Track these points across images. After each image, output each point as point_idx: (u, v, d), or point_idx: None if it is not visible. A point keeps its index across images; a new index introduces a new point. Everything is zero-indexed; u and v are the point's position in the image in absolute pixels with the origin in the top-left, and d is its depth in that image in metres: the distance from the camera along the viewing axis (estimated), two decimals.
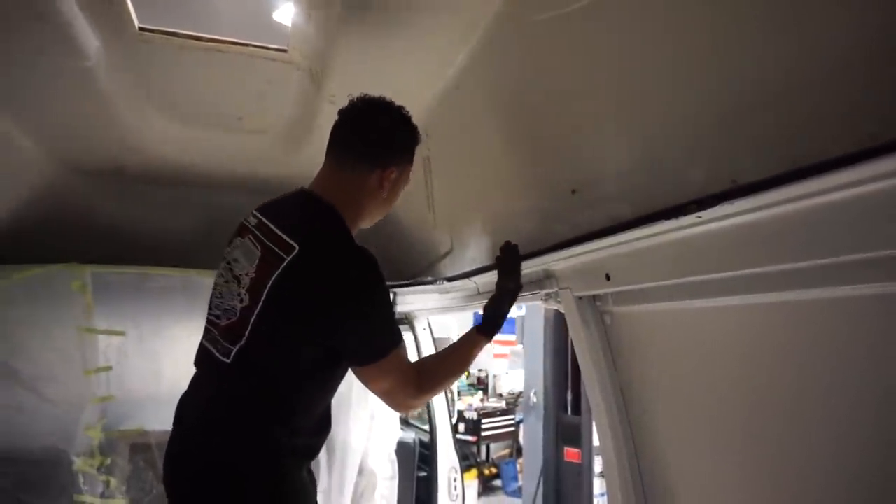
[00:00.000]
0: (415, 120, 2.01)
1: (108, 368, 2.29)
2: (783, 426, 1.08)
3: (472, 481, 6.69)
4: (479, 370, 7.83)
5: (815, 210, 0.84)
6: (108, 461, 2.22)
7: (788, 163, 0.85)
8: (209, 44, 1.75)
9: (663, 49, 1.03)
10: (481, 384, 7.77)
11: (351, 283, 1.29)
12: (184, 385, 2.46)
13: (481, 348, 1.55)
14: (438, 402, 2.96)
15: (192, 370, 2.46)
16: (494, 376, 7.87)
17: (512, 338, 7.34)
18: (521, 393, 6.64)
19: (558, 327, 4.21)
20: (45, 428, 2.16)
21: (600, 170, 1.29)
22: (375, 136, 1.45)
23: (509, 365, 7.80)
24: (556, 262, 1.51)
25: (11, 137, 1.94)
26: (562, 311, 1.60)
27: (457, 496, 2.75)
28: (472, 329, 1.55)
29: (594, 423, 1.66)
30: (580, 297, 1.50)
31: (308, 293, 1.27)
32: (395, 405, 1.49)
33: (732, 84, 0.91)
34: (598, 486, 3.47)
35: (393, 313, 1.46)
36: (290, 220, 1.39)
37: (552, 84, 1.34)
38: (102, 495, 2.18)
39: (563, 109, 1.34)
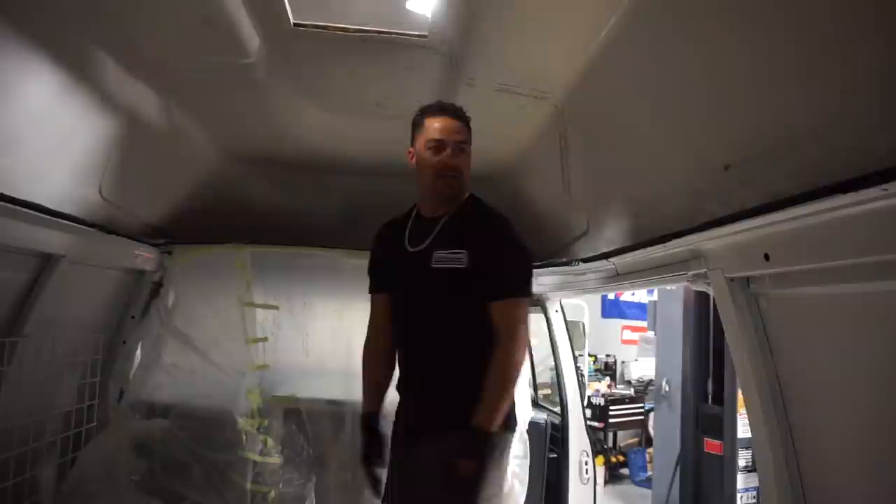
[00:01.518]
0: (550, 100, 2.00)
1: (265, 339, 2.51)
2: None
3: (598, 468, 6.57)
4: (608, 356, 7.64)
5: None
6: (266, 423, 2.44)
7: None
8: (356, 34, 1.85)
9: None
10: (609, 370, 7.59)
11: None
12: (329, 357, 2.68)
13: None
14: (570, 384, 2.94)
15: (337, 344, 2.68)
16: (623, 363, 7.64)
17: (642, 324, 7.08)
18: (650, 381, 6.40)
19: (700, 312, 3.99)
20: (214, 389, 2.42)
21: (759, 143, 1.20)
22: None
23: (639, 352, 7.53)
24: (707, 241, 1.44)
25: (183, 128, 2.17)
26: (710, 293, 1.52)
27: (588, 479, 2.72)
28: None
29: (746, 417, 1.56)
30: (732, 279, 1.41)
31: None
32: None
33: None
34: (742, 480, 3.27)
35: (369, 271, 2.02)
36: None
37: (703, 52, 1.27)
38: (261, 453, 2.41)
39: (714, 79, 1.26)
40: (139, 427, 2.31)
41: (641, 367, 7.36)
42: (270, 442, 2.43)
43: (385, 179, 2.75)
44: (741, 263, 1.35)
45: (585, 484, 2.71)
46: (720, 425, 3.49)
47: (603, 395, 6.89)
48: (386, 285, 1.91)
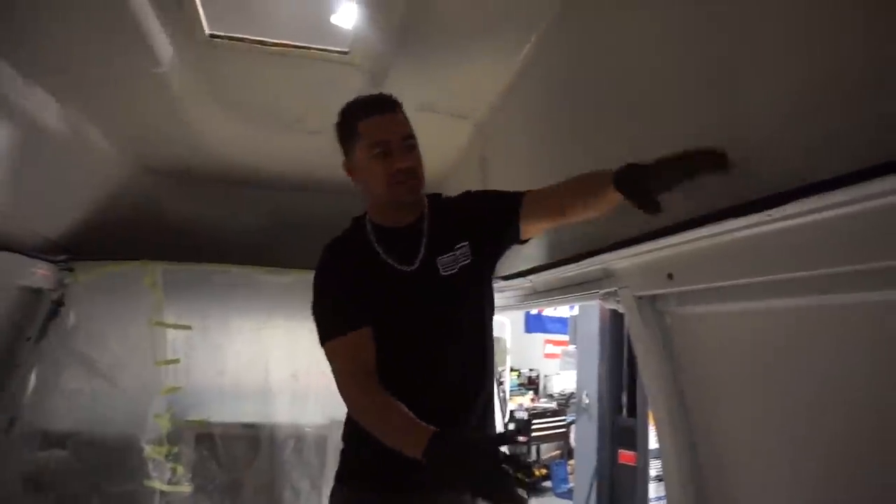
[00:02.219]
0: (471, 119, 2.02)
1: (177, 361, 2.39)
2: (863, 440, 1.03)
3: None
4: (531, 370, 7.79)
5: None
6: (175, 449, 2.32)
7: (864, 160, 0.82)
8: (274, 48, 1.81)
9: (730, 36, 1.00)
10: (532, 384, 7.73)
11: None
12: (246, 379, 2.59)
13: (410, 448, 1.20)
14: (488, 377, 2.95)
15: (254, 365, 2.59)
16: (545, 376, 7.81)
17: (564, 338, 7.27)
18: (572, 394, 6.57)
19: (615, 327, 4.15)
20: (118, 415, 2.28)
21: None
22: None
23: (561, 365, 7.72)
24: (616, 260, 1.50)
25: (88, 137, 2.05)
26: (621, 310, 1.58)
27: None
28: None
29: (653, 427, 1.63)
30: (640, 297, 1.48)
31: None
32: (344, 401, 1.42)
33: (811, 76, 0.88)
34: (654, 489, 3.40)
35: (329, 306, 1.41)
36: None
37: (616, 73, 1.33)
38: (169, 481, 2.29)
39: (626, 100, 1.33)
40: (30, 459, 2.14)
41: (563, 381, 7.54)
42: (180, 469, 2.31)
43: (307, 195, 2.71)
44: (647, 282, 1.42)
45: None
46: (634, 437, 3.64)
47: (526, 409, 7.00)
48: (367, 319, 1.39)
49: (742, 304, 1.21)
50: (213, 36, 1.75)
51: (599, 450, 4.01)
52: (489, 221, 1.48)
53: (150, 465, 2.25)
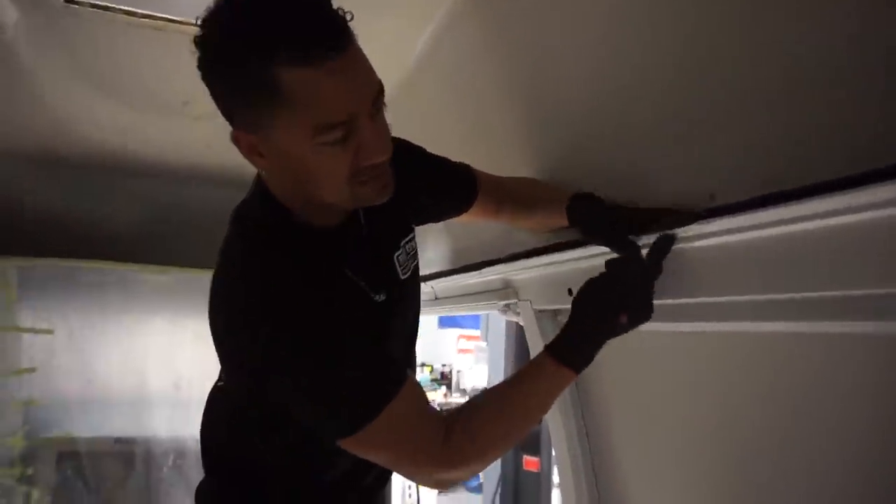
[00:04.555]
0: None
1: (32, 370, 2.11)
2: (746, 454, 1.00)
3: None
4: (444, 365, 7.74)
5: (797, 238, 0.75)
6: (31, 471, 2.04)
7: (769, 182, 0.75)
8: (144, 20, 1.59)
9: (636, 39, 0.92)
10: (445, 379, 7.69)
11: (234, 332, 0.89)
12: (118, 388, 2.31)
13: (555, 383, 0.93)
14: None
15: (127, 372, 2.32)
16: (458, 371, 7.79)
17: (477, 333, 7.26)
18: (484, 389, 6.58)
19: (520, 330, 4.13)
20: None
21: (561, 173, 1.18)
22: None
23: (474, 360, 7.73)
24: (516, 272, 1.40)
25: None
26: (521, 322, 1.50)
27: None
28: (540, 352, 0.95)
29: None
30: (541, 311, 1.39)
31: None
32: (417, 481, 1.01)
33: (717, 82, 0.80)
34: (557, 496, 3.41)
35: (353, 360, 0.86)
36: None
37: (512, 73, 1.23)
38: None
39: (521, 102, 1.23)
40: None
41: (476, 376, 7.55)
42: (36, 494, 2.04)
43: (192, 186, 2.46)
44: (547, 296, 1.33)
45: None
46: (538, 442, 3.63)
47: (439, 405, 6.95)
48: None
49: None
50: (69, 1, 1.51)
51: (503, 457, 3.99)
52: (438, 203, 1.19)
53: None
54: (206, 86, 0.79)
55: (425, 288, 1.94)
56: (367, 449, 0.88)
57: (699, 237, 0.87)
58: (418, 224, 1.19)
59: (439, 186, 1.18)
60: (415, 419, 0.88)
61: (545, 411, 0.97)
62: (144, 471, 2.20)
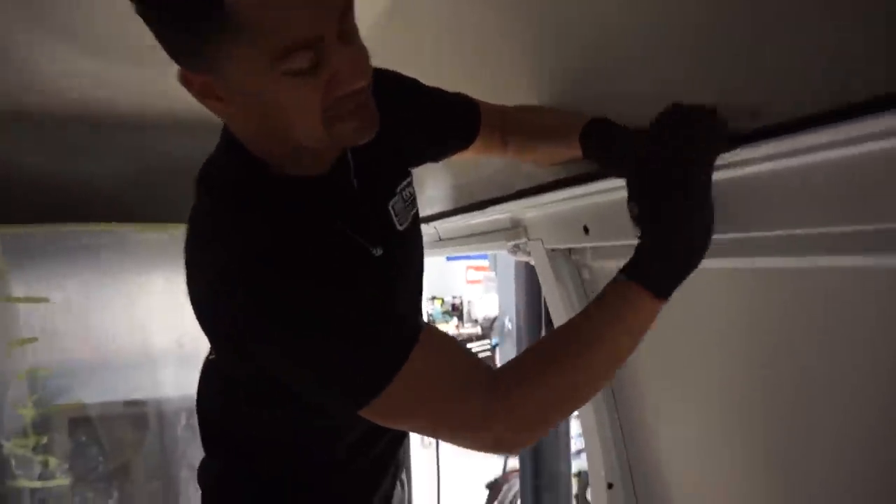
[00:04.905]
0: None
1: (34, 340, 2.05)
2: (790, 412, 0.92)
3: None
4: (454, 297, 7.75)
5: (836, 166, 0.64)
6: (45, 440, 2.02)
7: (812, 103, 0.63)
8: None
9: None
10: (456, 311, 7.72)
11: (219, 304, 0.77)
12: (124, 351, 2.27)
13: (643, 316, 0.75)
14: None
15: (132, 335, 2.26)
16: (469, 302, 7.81)
17: (485, 263, 7.22)
18: (496, 317, 6.59)
19: (532, 267, 4.04)
20: None
21: (576, 97, 1.05)
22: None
23: (484, 290, 7.72)
24: (525, 209, 1.29)
25: None
26: (532, 262, 1.40)
27: (429, 444, 2.65)
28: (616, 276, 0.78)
29: None
30: (553, 250, 1.29)
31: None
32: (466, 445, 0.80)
33: None
34: (575, 426, 3.42)
35: (355, 318, 0.74)
36: None
37: None
38: (41, 477, 2.00)
39: (527, 15, 1.08)
40: None
41: (486, 306, 7.57)
42: (53, 461, 2.03)
43: (180, 135, 2.31)
44: (560, 235, 1.23)
45: (427, 448, 2.64)
46: None
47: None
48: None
49: None
50: None
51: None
52: (437, 139, 1.07)
53: (14, 463, 1.96)
54: (140, 16, 0.66)
55: (428, 229, 1.84)
56: (395, 417, 0.78)
57: (742, 164, 0.75)
58: (416, 165, 1.06)
59: (437, 120, 1.05)
60: (445, 374, 0.75)
61: (624, 357, 0.77)
62: (158, 431, 2.18)
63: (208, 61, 0.68)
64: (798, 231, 0.72)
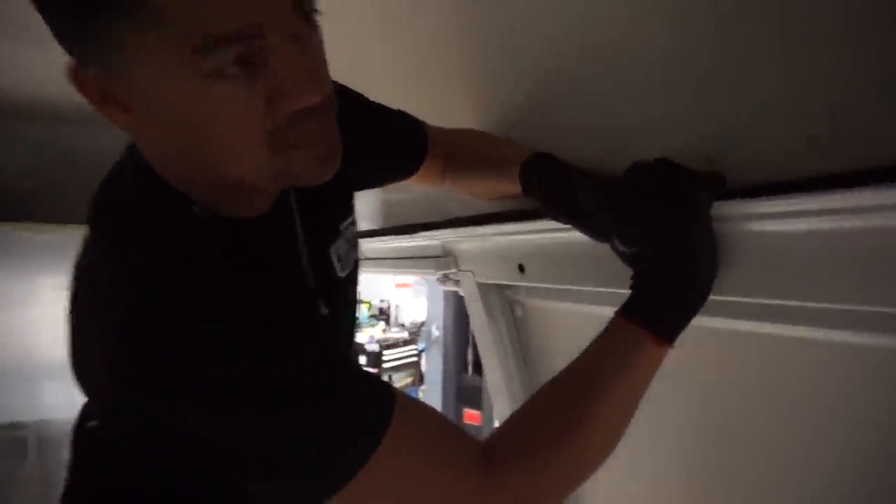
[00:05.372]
0: None
1: None
2: (691, 444, 0.86)
3: None
4: (382, 301, 7.60)
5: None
6: None
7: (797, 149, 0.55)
8: None
9: None
10: (384, 315, 7.57)
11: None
12: (1, 367, 2.01)
13: (649, 366, 0.64)
14: None
15: (13, 347, 2.01)
16: (397, 306, 7.68)
17: None
18: (423, 322, 6.49)
19: None
20: None
21: (523, 124, 0.95)
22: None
23: (413, 294, 7.61)
24: (458, 240, 1.19)
25: None
26: (461, 293, 1.30)
27: None
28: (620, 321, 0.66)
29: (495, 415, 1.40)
30: (485, 284, 1.20)
31: None
32: None
33: None
34: None
35: (326, 386, 0.59)
36: None
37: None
38: None
39: (472, 30, 0.98)
40: None
41: (415, 310, 7.46)
42: None
43: (86, 128, 2.08)
44: (494, 271, 1.13)
45: None
46: (479, 396, 3.55)
47: (378, 341, 6.84)
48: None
49: (600, 308, 0.96)
50: None
51: (444, 409, 3.92)
52: (382, 166, 0.92)
53: None
54: None
55: None
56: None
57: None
58: (357, 190, 0.89)
59: (381, 145, 0.88)
60: (429, 449, 0.60)
61: (633, 413, 0.65)
62: (38, 456, 1.94)
63: (103, 52, 0.49)
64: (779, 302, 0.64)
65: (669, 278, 0.64)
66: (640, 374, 0.63)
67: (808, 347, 0.70)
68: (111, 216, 0.63)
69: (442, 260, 1.26)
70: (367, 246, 1.63)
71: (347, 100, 0.76)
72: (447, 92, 1.06)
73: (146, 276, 0.57)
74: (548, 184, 0.80)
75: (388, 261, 1.58)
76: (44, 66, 1.83)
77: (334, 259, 0.77)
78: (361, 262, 1.58)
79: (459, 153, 0.95)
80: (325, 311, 0.72)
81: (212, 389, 0.54)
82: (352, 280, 0.82)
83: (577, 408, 0.61)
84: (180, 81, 0.49)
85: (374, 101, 0.89)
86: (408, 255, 1.44)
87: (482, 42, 0.92)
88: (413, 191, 1.36)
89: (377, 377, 0.66)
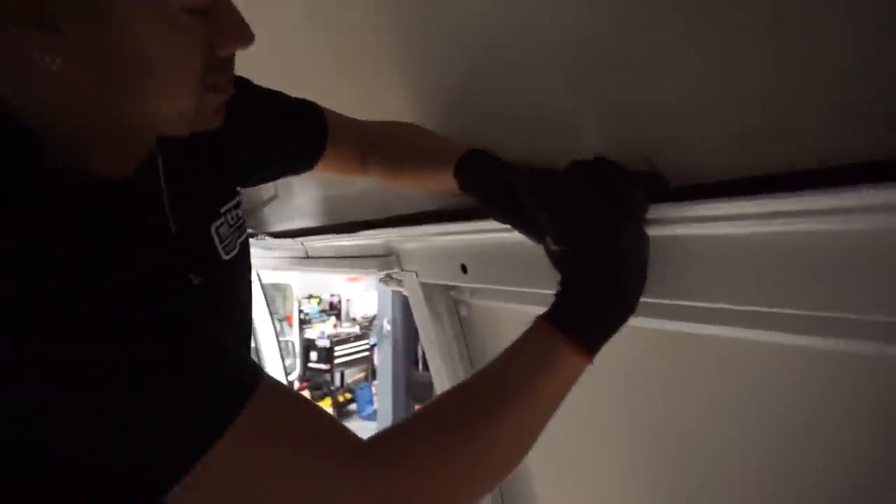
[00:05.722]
0: None
1: None
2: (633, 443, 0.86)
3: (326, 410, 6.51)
4: (332, 295, 7.49)
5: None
6: None
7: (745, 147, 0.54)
8: None
9: None
10: (334, 310, 7.47)
11: None
12: None
13: (567, 376, 0.61)
14: (271, 359, 2.58)
15: None
16: (348, 301, 7.58)
17: None
18: (375, 316, 6.44)
19: None
20: None
21: (456, 117, 0.92)
22: None
23: (364, 287, 7.53)
24: (401, 239, 1.15)
25: None
26: (404, 293, 1.27)
27: None
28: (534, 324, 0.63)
29: None
30: (429, 284, 1.16)
31: None
32: None
33: None
34: None
35: (174, 361, 0.55)
36: None
37: None
38: None
39: (402, 16, 0.94)
40: None
41: (365, 304, 7.38)
42: None
43: None
44: (437, 271, 1.10)
45: None
46: (430, 391, 3.53)
47: (329, 336, 6.75)
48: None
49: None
50: None
51: (395, 406, 3.88)
52: (272, 156, 0.89)
53: None
54: None
55: (293, 244, 1.65)
56: (217, 500, 0.54)
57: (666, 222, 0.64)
58: (247, 185, 0.88)
59: (271, 132, 0.87)
60: (292, 439, 0.55)
61: (543, 425, 0.60)
62: None
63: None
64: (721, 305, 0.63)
65: (594, 283, 0.61)
66: (554, 379, 0.59)
67: (782, 353, 0.70)
68: None
69: (385, 259, 1.22)
70: (309, 244, 1.58)
71: (240, 86, 0.74)
72: (378, 85, 1.02)
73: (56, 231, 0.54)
74: (483, 181, 0.78)
75: (331, 259, 1.53)
76: None
77: (215, 238, 0.76)
78: (308, 260, 1.50)
79: (383, 144, 0.92)
80: (196, 281, 0.70)
81: (58, 353, 0.50)
82: (240, 261, 0.81)
83: (479, 409, 0.57)
84: (137, 15, 0.53)
85: (270, 90, 0.87)
86: (350, 253, 1.40)
87: (413, 32, 0.88)
88: (354, 187, 1.31)
89: (251, 361, 0.62)
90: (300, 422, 0.56)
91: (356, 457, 0.55)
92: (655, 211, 0.63)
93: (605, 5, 0.62)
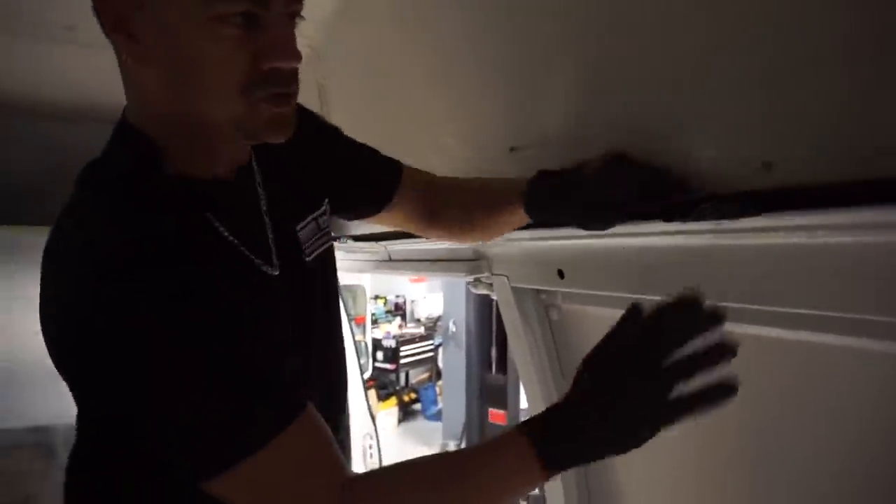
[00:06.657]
0: (306, 43, 1.55)
1: None
2: (738, 448, 0.85)
3: (391, 409, 6.61)
4: (397, 296, 7.59)
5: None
6: None
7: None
8: None
9: None
10: (399, 310, 7.56)
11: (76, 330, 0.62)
12: (22, 369, 2.00)
13: (523, 481, 0.65)
14: (350, 357, 2.65)
15: (23, 351, 1.99)
16: (412, 301, 7.67)
17: None
18: (439, 317, 6.48)
19: None
20: None
21: (551, 119, 0.93)
22: None
23: (427, 288, 7.60)
24: (490, 243, 1.16)
25: None
26: (494, 297, 1.28)
27: (373, 464, 2.51)
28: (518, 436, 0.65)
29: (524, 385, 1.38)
30: (520, 288, 1.17)
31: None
32: None
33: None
34: None
35: (222, 380, 0.62)
36: None
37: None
38: None
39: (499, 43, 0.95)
40: None
41: (430, 305, 7.44)
42: None
43: (94, 128, 2.08)
44: (531, 276, 1.11)
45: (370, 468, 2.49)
46: (504, 395, 3.52)
47: (394, 337, 6.84)
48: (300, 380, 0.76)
49: None
50: None
51: (468, 408, 3.89)
52: (349, 192, 0.95)
53: None
54: None
55: (376, 248, 1.69)
56: (235, 497, 0.63)
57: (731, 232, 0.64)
58: (331, 205, 0.94)
59: (353, 171, 0.95)
60: (307, 464, 0.64)
61: None
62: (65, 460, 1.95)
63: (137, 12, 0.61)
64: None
65: (584, 410, 0.62)
66: (513, 487, 0.65)
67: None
68: (90, 170, 0.71)
69: (474, 263, 1.23)
70: (394, 248, 1.61)
71: (323, 127, 0.92)
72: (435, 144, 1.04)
73: (106, 218, 0.65)
74: (557, 188, 0.81)
75: (417, 263, 1.56)
76: (35, 61, 1.83)
77: (299, 239, 0.83)
78: (391, 263, 1.54)
79: (451, 193, 0.97)
80: (273, 272, 0.77)
81: (139, 338, 0.59)
82: (322, 268, 0.87)
83: (440, 489, 0.65)
84: (188, 21, 0.60)
85: (348, 137, 0.96)
86: (436, 257, 1.42)
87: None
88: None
89: (301, 381, 0.72)
90: (317, 450, 0.65)
91: (345, 484, 0.64)
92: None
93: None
